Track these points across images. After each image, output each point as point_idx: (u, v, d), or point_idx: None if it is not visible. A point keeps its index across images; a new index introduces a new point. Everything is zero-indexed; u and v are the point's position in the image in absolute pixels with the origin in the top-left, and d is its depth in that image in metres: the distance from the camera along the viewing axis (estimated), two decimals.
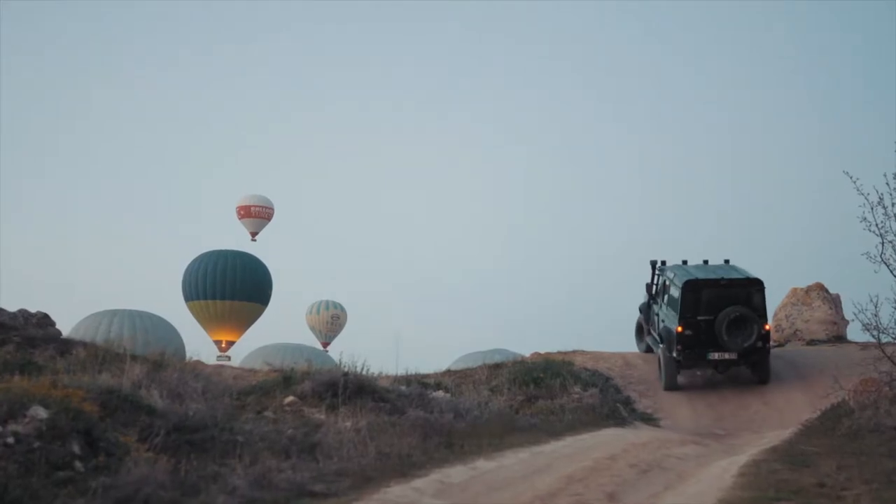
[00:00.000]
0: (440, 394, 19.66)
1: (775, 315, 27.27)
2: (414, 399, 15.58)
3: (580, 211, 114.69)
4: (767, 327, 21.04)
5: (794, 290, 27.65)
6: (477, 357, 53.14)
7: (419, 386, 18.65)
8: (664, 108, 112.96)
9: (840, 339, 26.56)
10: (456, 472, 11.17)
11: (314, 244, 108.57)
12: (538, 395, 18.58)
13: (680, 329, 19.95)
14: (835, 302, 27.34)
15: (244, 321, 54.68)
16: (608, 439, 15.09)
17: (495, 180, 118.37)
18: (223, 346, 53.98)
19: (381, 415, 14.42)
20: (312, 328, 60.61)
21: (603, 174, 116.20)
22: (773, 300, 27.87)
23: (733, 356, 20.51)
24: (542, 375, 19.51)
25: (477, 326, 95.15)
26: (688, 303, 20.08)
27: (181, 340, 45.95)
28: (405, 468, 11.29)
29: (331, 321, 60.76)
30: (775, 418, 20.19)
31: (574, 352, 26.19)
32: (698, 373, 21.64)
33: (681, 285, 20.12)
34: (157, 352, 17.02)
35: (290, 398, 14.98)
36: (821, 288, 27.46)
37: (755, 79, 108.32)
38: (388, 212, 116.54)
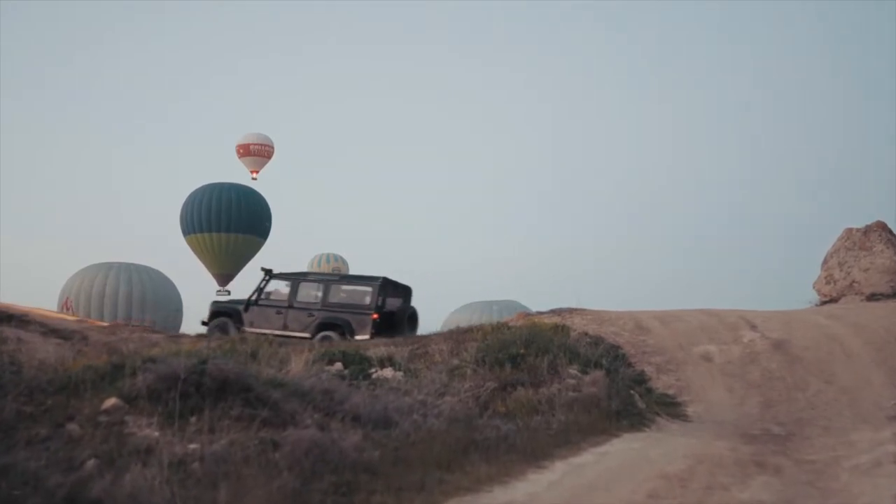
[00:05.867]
0: (388, 373, 14.64)
1: (825, 262, 21.73)
2: (315, 399, 9.88)
3: (608, 158, 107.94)
4: None
5: (849, 232, 21.96)
6: (477, 308, 49.95)
7: (346, 371, 13.18)
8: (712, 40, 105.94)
9: None
10: None
11: (316, 188, 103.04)
12: (517, 381, 12.77)
13: (376, 316, 23.14)
14: None
15: (243, 255, 52.04)
16: (622, 466, 9.41)
17: (512, 125, 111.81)
18: (222, 280, 52.87)
19: (253, 430, 8.80)
20: None
21: (632, 119, 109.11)
22: (824, 242, 22.33)
23: None
24: (523, 351, 13.58)
25: (488, 275, 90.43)
26: (380, 297, 23.50)
27: (178, 295, 47.53)
28: None
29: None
30: (846, 404, 14.98)
31: (573, 311, 20.82)
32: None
33: (379, 283, 23.67)
34: None
35: (112, 401, 9.28)
36: (882, 228, 21.75)
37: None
38: (396, 155, 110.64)
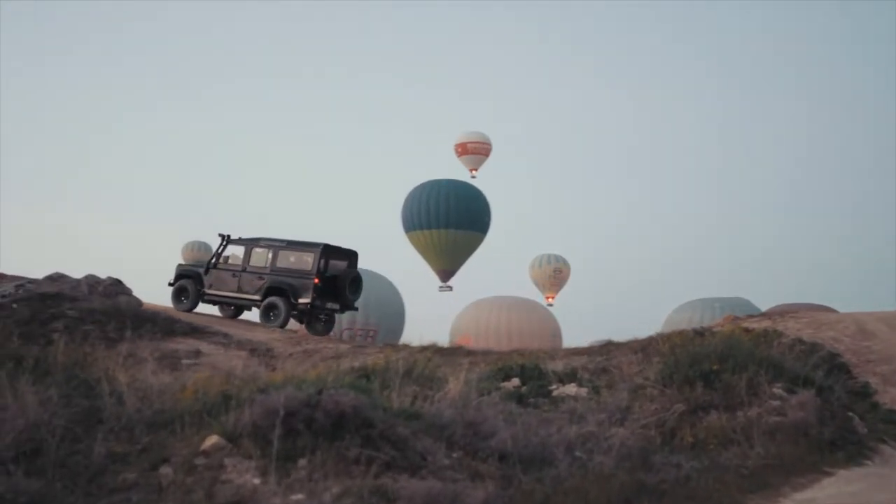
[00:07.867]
0: (571, 390, 13.12)
1: None
2: (455, 434, 8.29)
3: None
4: None
5: None
6: (698, 307, 47.46)
7: (523, 388, 11.84)
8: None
9: None
10: None
11: (537, 185, 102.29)
12: (710, 403, 10.80)
13: (317, 280, 24.90)
14: None
15: (464, 251, 54.02)
16: None
17: (743, 119, 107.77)
18: (444, 276, 55.36)
19: (369, 476, 7.29)
20: (535, 282, 59.47)
21: (867, 111, 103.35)
22: None
23: (336, 307, 25.99)
24: (717, 367, 11.47)
25: (718, 270, 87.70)
26: (322, 263, 25.22)
27: (401, 299, 48.90)
28: None
29: (553, 275, 58.76)
30: None
31: (785, 313, 18.73)
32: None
33: (320, 248, 25.45)
34: None
35: (213, 440, 7.91)
36: None
37: None
38: (612, 150, 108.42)
